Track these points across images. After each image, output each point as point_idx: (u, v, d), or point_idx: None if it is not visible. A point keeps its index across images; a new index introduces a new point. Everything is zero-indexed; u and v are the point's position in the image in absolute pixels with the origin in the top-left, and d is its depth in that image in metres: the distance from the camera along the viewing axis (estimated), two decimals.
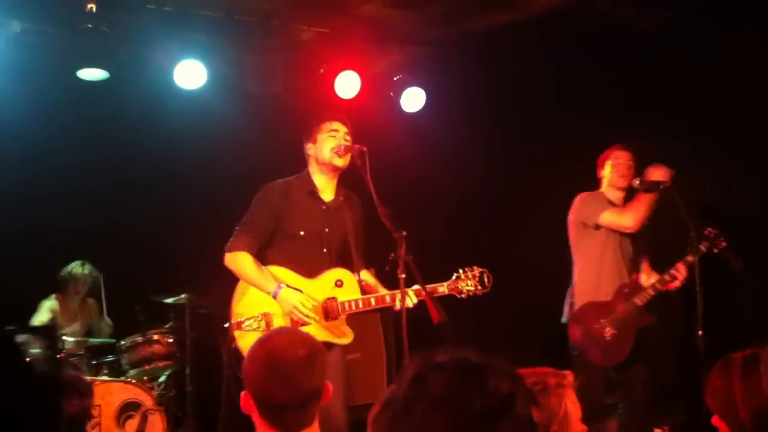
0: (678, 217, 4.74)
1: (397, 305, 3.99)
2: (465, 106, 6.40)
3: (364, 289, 4.28)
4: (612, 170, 5.17)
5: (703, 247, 4.79)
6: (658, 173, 4.89)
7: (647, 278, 5.15)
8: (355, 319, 4.37)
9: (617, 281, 5.06)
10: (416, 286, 3.98)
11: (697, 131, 5.59)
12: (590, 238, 5.12)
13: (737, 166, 5.63)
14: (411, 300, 3.99)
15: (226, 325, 4.18)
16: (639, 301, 4.97)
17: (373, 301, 4.19)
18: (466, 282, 4.28)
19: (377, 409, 1.37)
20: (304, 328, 4.04)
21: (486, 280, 4.34)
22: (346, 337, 4.23)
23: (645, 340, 4.98)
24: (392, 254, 3.76)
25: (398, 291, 3.88)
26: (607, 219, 5.05)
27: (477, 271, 4.33)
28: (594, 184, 5.30)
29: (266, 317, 4.10)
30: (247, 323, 4.07)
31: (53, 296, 6.14)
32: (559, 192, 5.39)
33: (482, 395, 1.26)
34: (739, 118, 5.48)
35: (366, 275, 4.37)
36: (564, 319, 5.21)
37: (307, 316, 4.06)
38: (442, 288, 4.24)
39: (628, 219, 5.01)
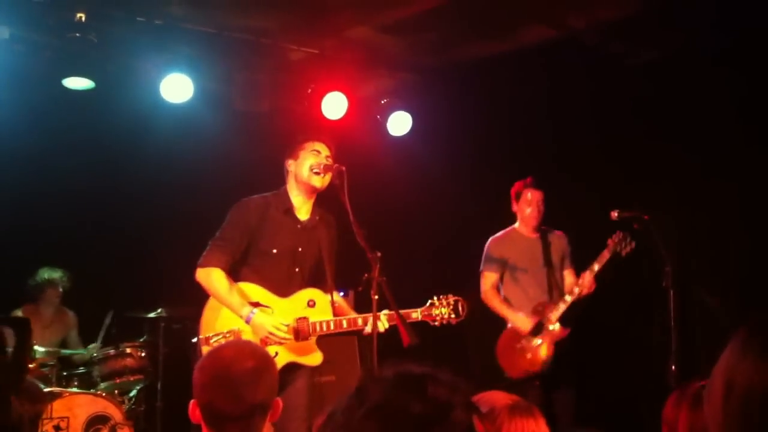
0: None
1: (368, 329, 3.97)
2: (451, 132, 6.43)
3: (336, 311, 4.24)
4: (523, 209, 5.46)
5: (607, 252, 5.09)
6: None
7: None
8: (332, 342, 4.35)
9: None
10: (387, 311, 3.95)
11: (677, 165, 5.64)
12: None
13: (716, 203, 5.66)
14: (383, 325, 3.94)
15: (195, 339, 4.13)
16: (552, 315, 5.22)
17: (345, 323, 4.14)
18: (440, 309, 4.25)
19: (321, 419, 1.39)
20: (272, 348, 4.02)
21: (461, 308, 4.31)
22: (315, 358, 4.18)
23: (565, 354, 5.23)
24: (366, 274, 3.75)
25: (371, 314, 3.86)
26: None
27: (452, 299, 4.29)
28: (577, 213, 5.34)
29: (234, 334, 4.04)
30: (215, 339, 4.02)
31: (21, 308, 6.04)
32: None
33: (419, 402, 1.26)
34: (721, 156, 5.53)
35: (336, 297, 4.33)
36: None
37: (283, 339, 4.04)
38: (416, 314, 4.21)
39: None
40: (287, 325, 4.07)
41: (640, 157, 5.81)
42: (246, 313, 4.02)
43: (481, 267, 5.50)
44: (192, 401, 2.23)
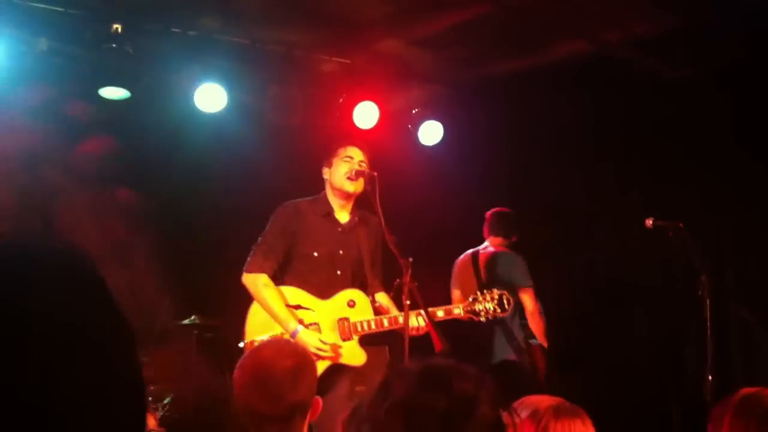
0: None
1: (413, 323, 3.95)
2: (482, 143, 6.42)
3: (378, 311, 4.25)
4: None
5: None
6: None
7: None
8: (382, 355, 4.38)
9: None
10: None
11: (716, 182, 5.58)
12: None
13: (754, 216, 5.59)
14: (421, 321, 3.94)
15: (241, 344, 4.17)
16: None
17: (386, 322, 4.16)
18: (485, 304, 4.24)
19: (346, 414, 1.39)
20: None
21: (506, 302, 4.29)
22: (359, 359, 4.19)
23: None
24: (398, 280, 3.75)
25: (411, 312, 3.86)
26: None
27: (496, 293, 4.29)
28: (610, 226, 5.29)
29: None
30: (260, 339, 4.06)
31: None
32: (570, 234, 5.39)
33: (445, 397, 1.25)
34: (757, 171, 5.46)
35: (382, 297, 4.35)
36: None
37: (326, 357, 4.06)
38: (458, 310, 4.21)
39: None
40: (331, 344, 4.09)
41: (675, 171, 5.75)
42: (292, 329, 4.05)
43: (529, 283, 5.41)
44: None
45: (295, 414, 2.19)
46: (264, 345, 2.43)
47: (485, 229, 5.64)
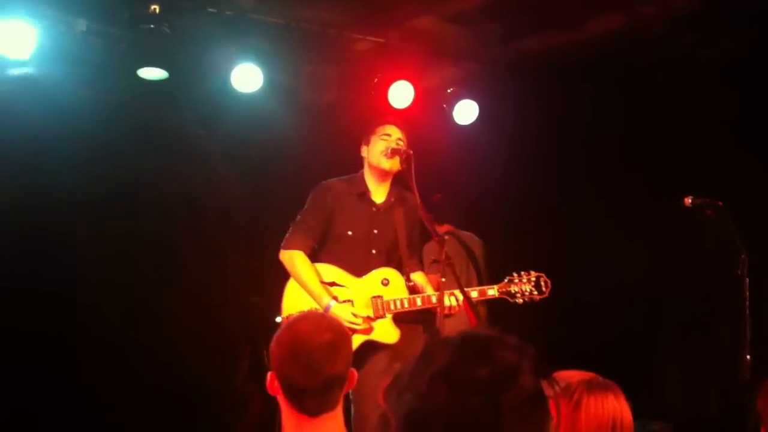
0: None
1: (447, 302, 3.96)
2: (518, 122, 6.38)
3: (414, 290, 4.28)
4: None
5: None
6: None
7: None
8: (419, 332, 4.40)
9: None
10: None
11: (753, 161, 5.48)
12: None
13: None
14: (455, 300, 3.95)
15: (278, 319, 4.24)
16: None
17: (419, 301, 4.19)
18: (521, 286, 4.21)
19: (387, 382, 1.39)
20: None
21: (543, 285, 4.26)
22: (392, 336, 4.22)
23: None
24: (433, 258, 3.77)
25: (446, 292, 3.88)
26: None
27: (534, 275, 4.25)
28: (643, 205, 5.23)
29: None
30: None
31: None
32: (606, 208, 5.35)
33: (487, 366, 1.26)
34: None
35: (419, 277, 4.37)
36: None
37: (359, 330, 4.10)
38: (492, 290, 4.20)
39: None
40: (364, 317, 4.12)
41: (711, 150, 5.66)
42: (325, 303, 4.11)
43: None
44: (270, 373, 2.27)
45: (333, 386, 2.24)
46: (300, 319, 2.46)
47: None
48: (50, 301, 0.77)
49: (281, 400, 2.26)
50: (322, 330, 2.27)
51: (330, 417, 2.25)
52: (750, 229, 4.62)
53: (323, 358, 2.21)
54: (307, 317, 2.64)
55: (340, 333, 2.34)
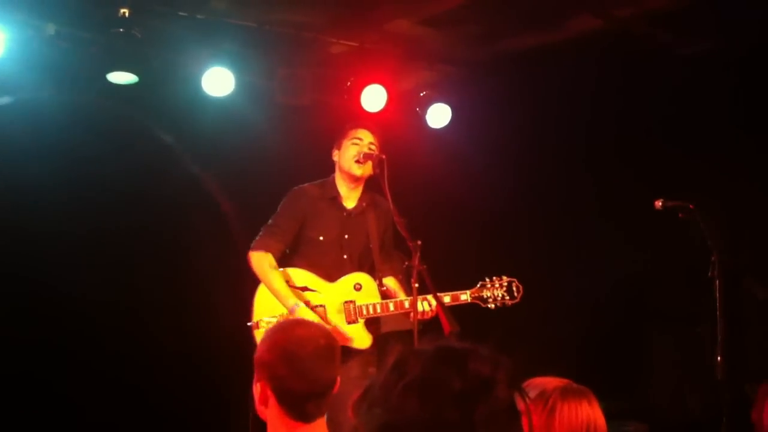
0: None
1: (421, 308, 3.95)
2: (491, 124, 6.39)
3: (386, 295, 4.26)
4: None
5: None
6: None
7: None
8: (392, 338, 4.39)
9: None
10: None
11: (728, 158, 5.53)
12: None
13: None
14: (428, 305, 3.95)
15: (249, 323, 4.21)
16: None
17: (391, 306, 4.19)
18: (493, 291, 4.21)
19: (358, 394, 1.35)
20: None
21: (515, 290, 4.26)
22: (364, 341, 4.21)
23: None
24: (406, 262, 3.75)
25: (418, 297, 3.86)
26: None
27: (506, 280, 4.25)
28: (624, 204, 5.25)
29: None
30: (267, 320, 4.10)
31: None
32: (580, 211, 5.36)
33: (461, 378, 1.22)
34: None
35: (390, 281, 4.35)
36: None
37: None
38: (464, 296, 4.20)
39: None
40: (332, 326, 4.10)
41: (689, 146, 5.70)
42: (291, 305, 4.08)
43: None
44: (260, 383, 2.22)
45: (330, 390, 2.27)
46: (292, 325, 2.43)
47: None
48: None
49: (272, 410, 2.21)
50: (317, 335, 2.28)
51: (322, 421, 2.29)
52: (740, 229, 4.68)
53: (323, 364, 2.23)
54: (298, 324, 2.59)
55: (332, 336, 2.37)
